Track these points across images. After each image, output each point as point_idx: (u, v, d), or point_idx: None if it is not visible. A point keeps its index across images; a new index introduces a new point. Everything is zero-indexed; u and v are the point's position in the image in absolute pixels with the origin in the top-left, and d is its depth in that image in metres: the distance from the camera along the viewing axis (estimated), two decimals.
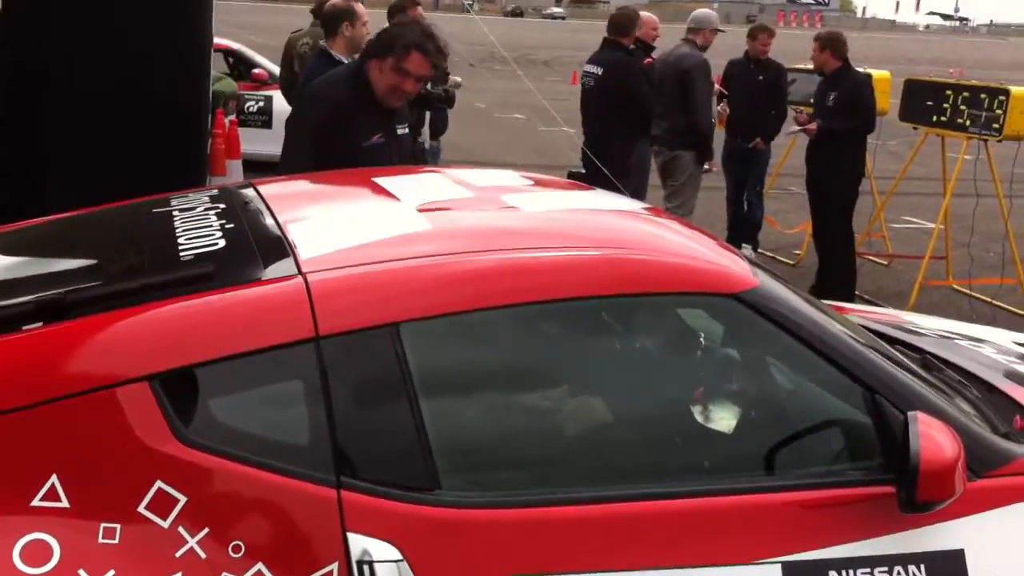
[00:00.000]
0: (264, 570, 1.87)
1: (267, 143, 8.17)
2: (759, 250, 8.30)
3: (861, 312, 3.51)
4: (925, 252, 7.29)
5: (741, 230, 8.12)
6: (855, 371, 2.21)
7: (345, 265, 2.12)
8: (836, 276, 6.94)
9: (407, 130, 4.08)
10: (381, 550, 1.90)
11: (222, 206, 2.56)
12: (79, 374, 1.92)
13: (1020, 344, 3.32)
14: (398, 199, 2.54)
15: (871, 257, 8.33)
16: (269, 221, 2.40)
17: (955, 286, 7.54)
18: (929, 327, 3.37)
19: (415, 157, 4.90)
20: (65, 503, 1.85)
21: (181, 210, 2.57)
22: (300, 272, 2.09)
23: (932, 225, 7.66)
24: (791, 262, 8.28)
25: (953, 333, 3.31)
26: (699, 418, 2.42)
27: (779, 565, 2.04)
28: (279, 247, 2.23)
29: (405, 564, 1.90)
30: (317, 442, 1.96)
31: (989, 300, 7.23)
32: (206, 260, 2.16)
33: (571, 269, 2.20)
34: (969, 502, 2.16)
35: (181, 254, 2.24)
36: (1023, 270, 7.40)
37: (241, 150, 8.58)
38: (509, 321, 2.18)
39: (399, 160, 3.82)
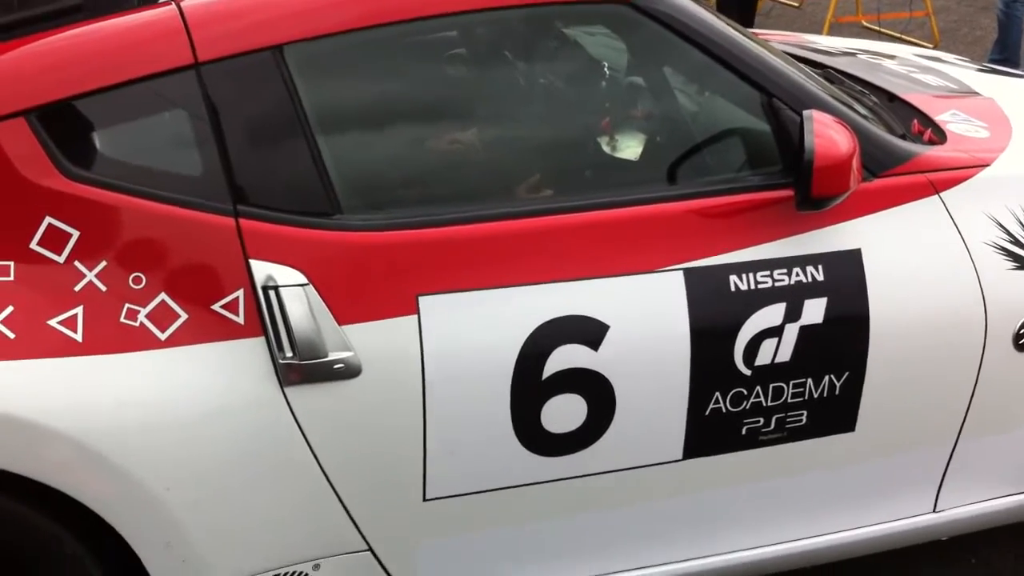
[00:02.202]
0: (168, 300, 1.87)
1: None
2: None
3: (763, 35, 3.48)
4: None
5: None
6: (752, 75, 2.19)
7: None
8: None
9: None
10: (286, 275, 1.90)
11: None
12: None
13: (922, 56, 3.34)
14: None
15: (782, 0, 8.24)
16: None
17: (864, 22, 7.54)
18: (831, 45, 3.36)
19: None
20: None
21: None
22: None
23: None
24: None
25: (855, 49, 3.31)
26: (603, 140, 2.41)
27: (680, 272, 2.07)
28: None
29: (311, 288, 1.90)
30: (210, 171, 1.92)
31: (898, 35, 7.25)
32: None
33: None
34: (865, 202, 2.20)
35: None
36: (931, 2, 7.39)
37: None
38: (404, 39, 2.11)
39: None
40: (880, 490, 2.34)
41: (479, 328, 1.98)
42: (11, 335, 1.79)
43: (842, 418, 2.22)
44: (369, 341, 1.93)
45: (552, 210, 2.08)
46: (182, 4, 1.99)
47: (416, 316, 1.94)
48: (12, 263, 1.82)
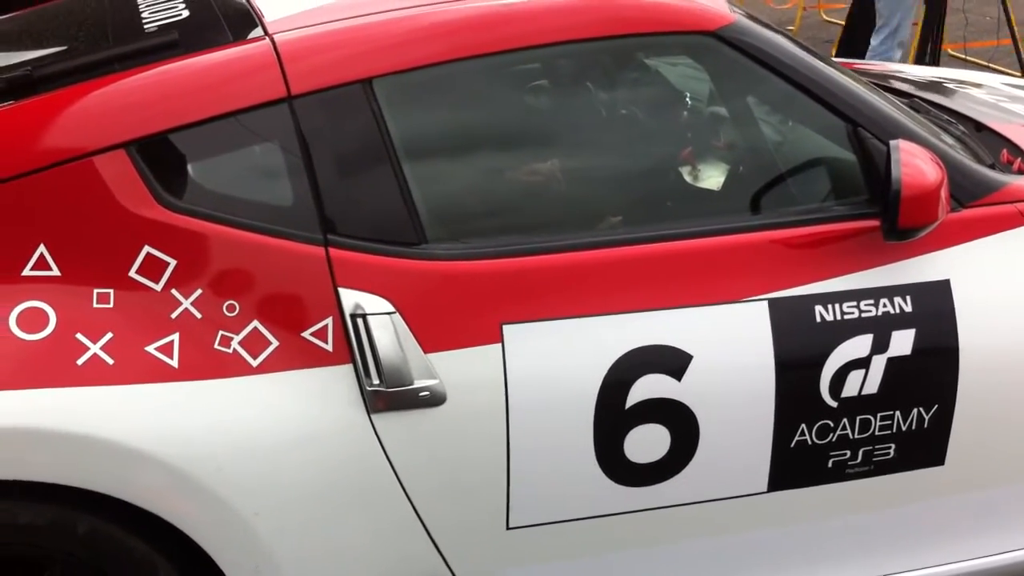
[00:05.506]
0: (260, 327, 1.91)
1: None
2: None
3: (846, 63, 3.46)
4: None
5: None
6: (837, 104, 2.18)
7: (312, 24, 2.08)
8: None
9: None
10: (374, 303, 1.93)
11: None
12: (53, 147, 1.91)
13: (1010, 85, 3.29)
14: None
15: None
16: None
17: (950, 50, 7.43)
18: (917, 74, 3.33)
19: None
20: (56, 271, 1.87)
21: None
22: (267, 34, 2.06)
23: None
24: None
25: (942, 78, 3.27)
26: (685, 170, 2.42)
27: (765, 302, 2.06)
28: (244, 13, 2.19)
29: (398, 316, 1.93)
30: (301, 202, 1.96)
31: (985, 63, 7.14)
32: (170, 29, 2.12)
33: (547, 14, 2.14)
34: (954, 232, 2.17)
35: (145, 26, 2.21)
36: (1019, 31, 7.26)
37: None
38: (488, 72, 2.14)
39: None
40: (970, 525, 2.29)
41: (562, 357, 1.99)
42: (110, 361, 1.84)
43: (931, 451, 2.18)
44: (454, 369, 1.95)
45: (635, 240, 2.08)
46: (276, 38, 2.04)
47: (500, 345, 1.96)
48: (112, 290, 1.88)
